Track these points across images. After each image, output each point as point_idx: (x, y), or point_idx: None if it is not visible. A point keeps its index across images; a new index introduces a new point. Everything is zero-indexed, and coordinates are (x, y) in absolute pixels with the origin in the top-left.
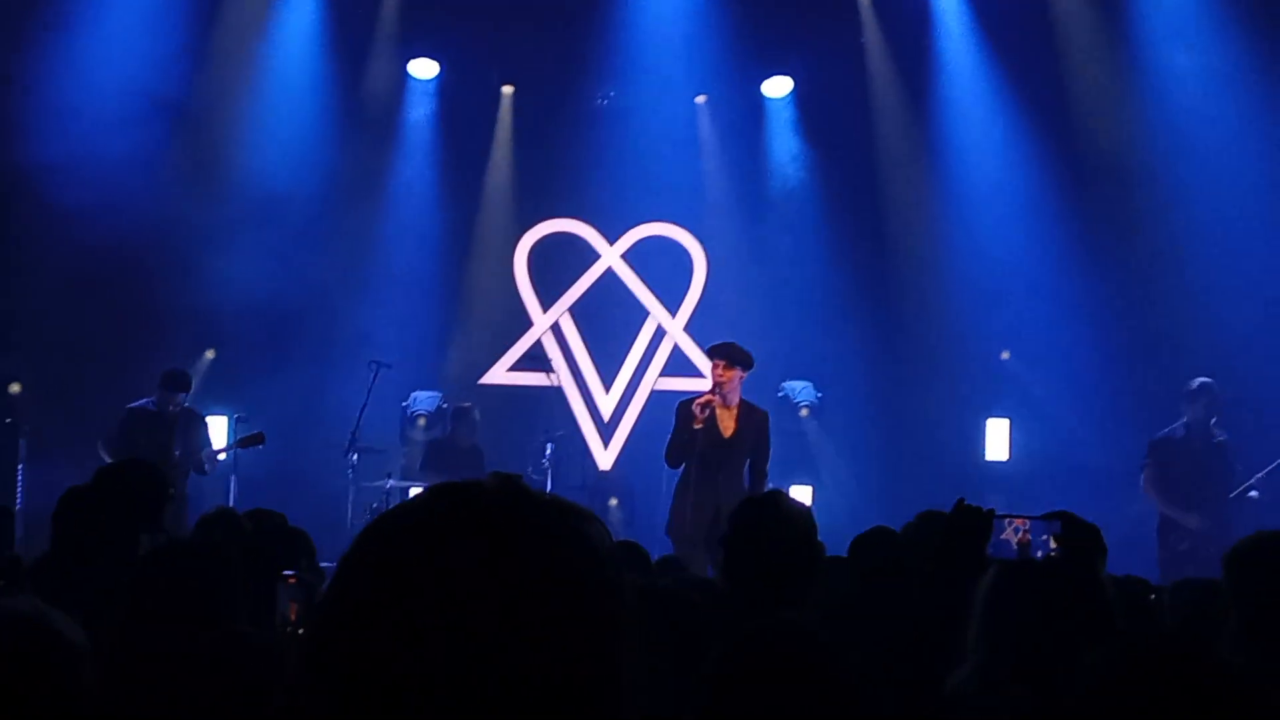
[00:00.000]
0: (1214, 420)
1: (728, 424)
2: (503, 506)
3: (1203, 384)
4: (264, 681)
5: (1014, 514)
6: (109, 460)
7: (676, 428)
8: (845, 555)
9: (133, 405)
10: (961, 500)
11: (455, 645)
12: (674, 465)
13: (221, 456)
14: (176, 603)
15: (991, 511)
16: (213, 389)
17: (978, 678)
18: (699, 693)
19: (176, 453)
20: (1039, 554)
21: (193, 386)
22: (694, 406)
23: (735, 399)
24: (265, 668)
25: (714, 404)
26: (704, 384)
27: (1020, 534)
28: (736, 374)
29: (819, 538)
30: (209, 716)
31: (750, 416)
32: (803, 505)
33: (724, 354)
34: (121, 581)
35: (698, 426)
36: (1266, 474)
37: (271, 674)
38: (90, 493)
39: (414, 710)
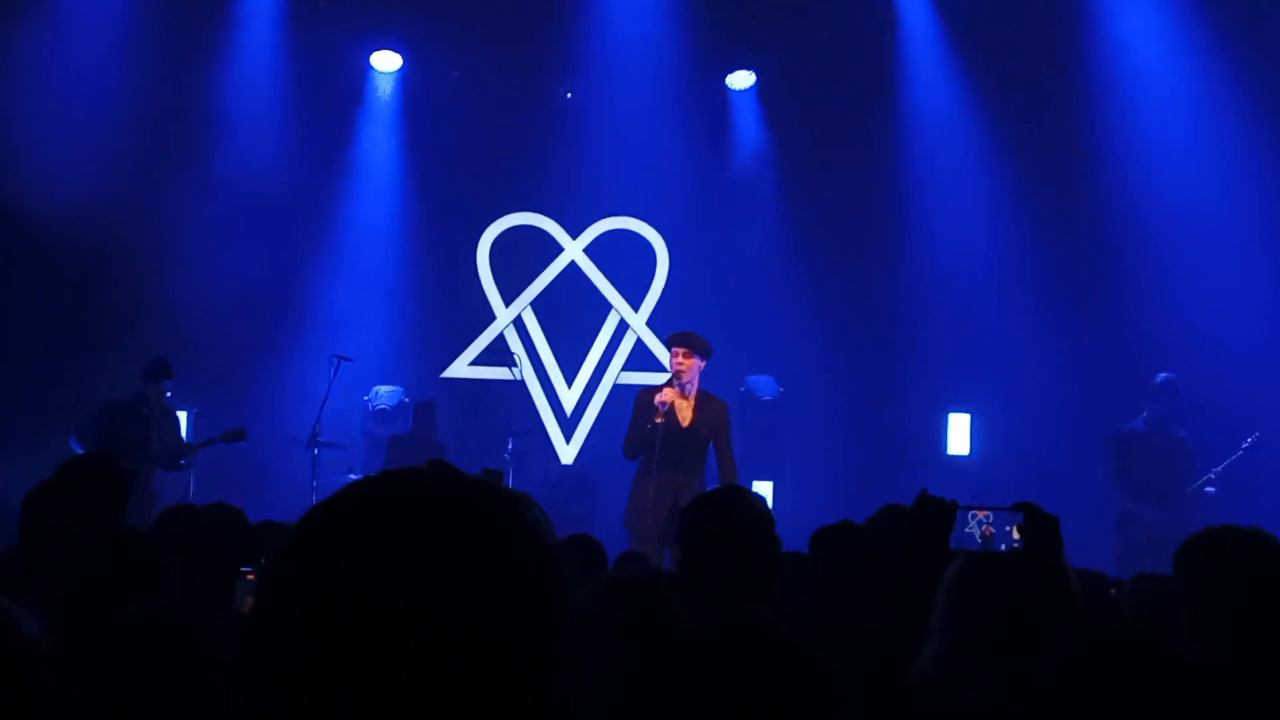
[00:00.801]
0: (1174, 416)
1: (685, 414)
2: (437, 488)
3: (1166, 380)
4: (209, 665)
5: (977, 505)
6: (80, 452)
7: (634, 419)
8: (807, 550)
9: (109, 398)
10: (925, 491)
11: (386, 622)
12: (631, 457)
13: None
14: (126, 593)
15: (954, 503)
16: (174, 384)
17: (940, 667)
18: (666, 689)
19: (154, 447)
20: (1002, 546)
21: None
22: (655, 401)
23: (694, 389)
24: (212, 650)
25: (673, 402)
26: (666, 378)
27: (984, 526)
28: (695, 363)
29: (778, 532)
30: (157, 700)
31: (709, 406)
32: (759, 498)
33: (683, 342)
34: (78, 573)
35: (659, 420)
36: (1224, 468)
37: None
38: (52, 486)
39: (348, 688)
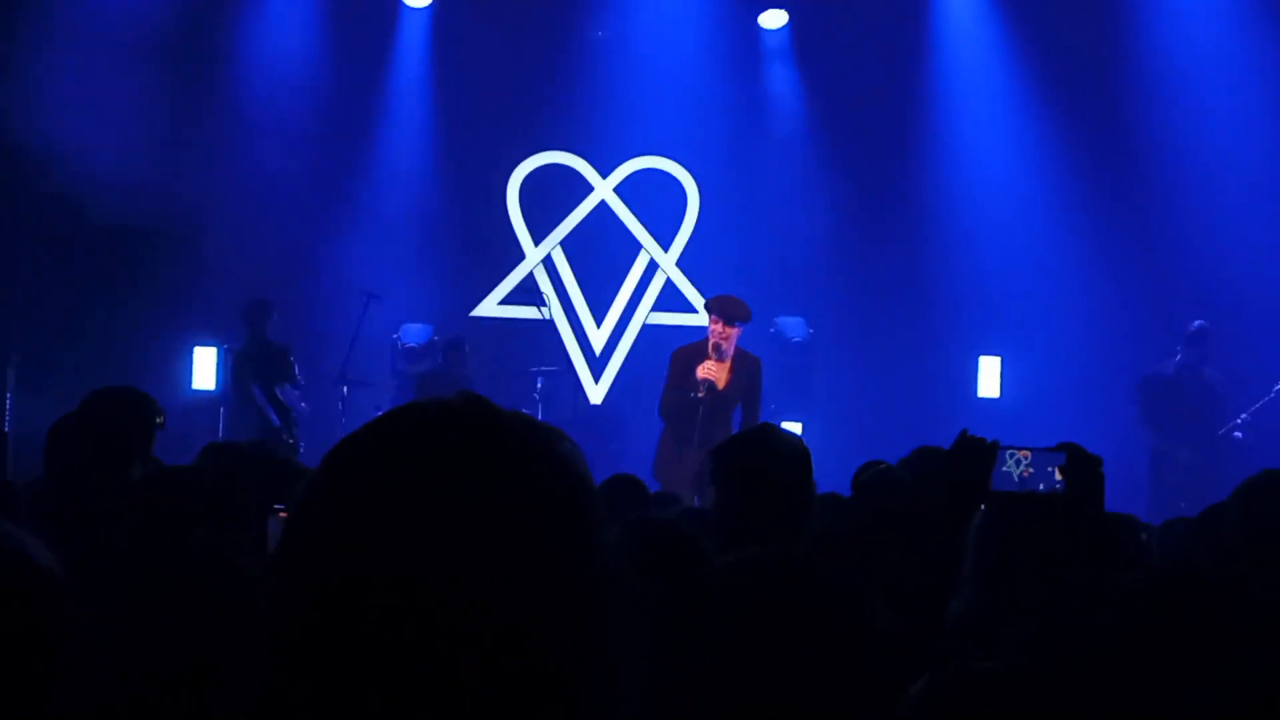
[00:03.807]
0: (1207, 362)
1: (722, 376)
2: (470, 419)
3: (1201, 327)
4: (244, 608)
5: (1017, 446)
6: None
7: (671, 378)
8: (835, 491)
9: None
10: (965, 431)
11: (419, 559)
12: (668, 422)
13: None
14: (166, 528)
15: (995, 443)
16: (203, 322)
17: (977, 611)
18: (694, 626)
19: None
20: (1040, 486)
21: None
22: (698, 376)
23: (731, 352)
24: (247, 594)
25: (714, 378)
26: (696, 319)
27: (1023, 467)
28: (736, 331)
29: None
30: (189, 642)
31: (742, 365)
32: (795, 436)
33: (722, 312)
34: (111, 510)
35: (701, 395)
36: (1254, 412)
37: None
38: (78, 420)
39: (377, 633)
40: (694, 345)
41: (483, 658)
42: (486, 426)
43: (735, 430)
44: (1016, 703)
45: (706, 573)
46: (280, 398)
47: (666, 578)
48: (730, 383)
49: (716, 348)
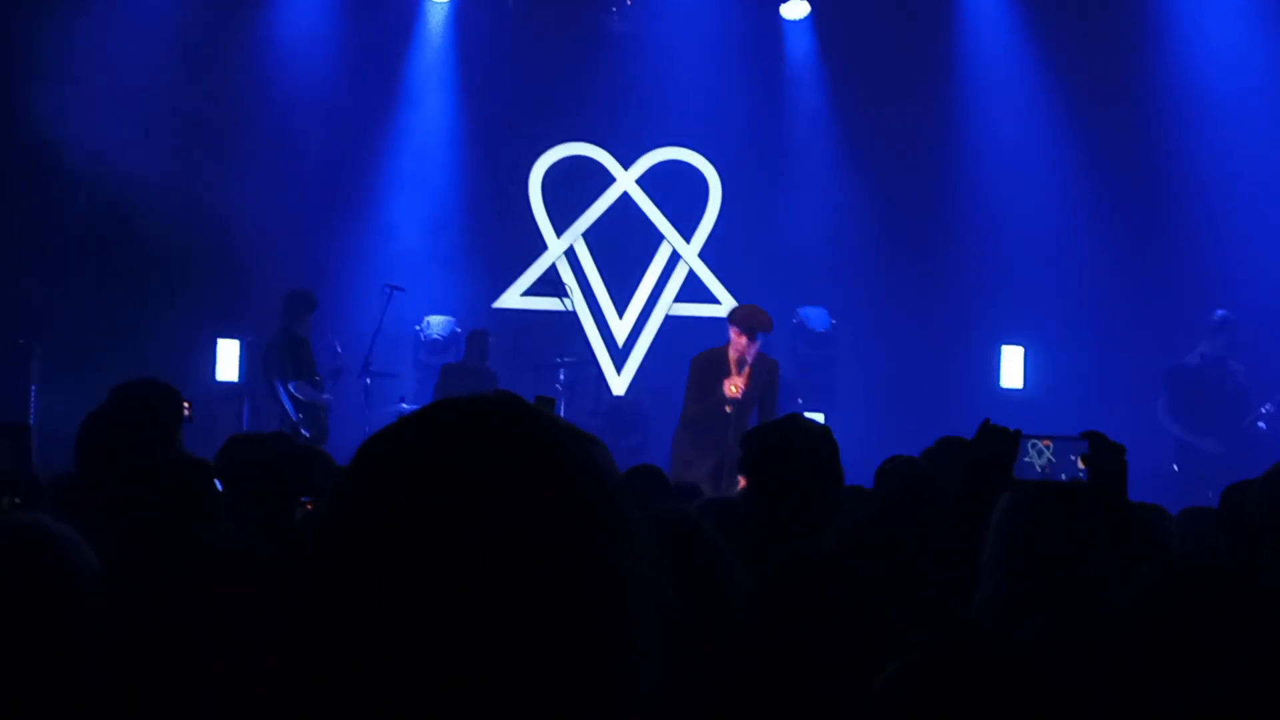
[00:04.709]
0: (1230, 353)
1: (739, 382)
2: (506, 420)
3: (1224, 317)
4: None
5: (1039, 435)
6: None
7: (692, 385)
8: (859, 483)
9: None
10: (987, 421)
11: (453, 558)
12: (693, 429)
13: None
14: (183, 521)
15: (1018, 433)
16: (226, 314)
17: (999, 602)
18: (727, 620)
19: (316, 378)
20: (1062, 476)
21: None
22: (725, 392)
23: (751, 361)
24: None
25: (739, 395)
26: (718, 310)
27: (1045, 456)
28: (758, 344)
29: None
30: (214, 633)
31: (760, 367)
32: (821, 426)
33: (746, 326)
34: (136, 501)
35: (729, 411)
36: (1277, 403)
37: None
38: (106, 412)
39: (407, 635)
40: (713, 352)
41: (518, 661)
42: (524, 427)
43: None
44: (989, 685)
45: (725, 568)
46: (295, 392)
47: (682, 572)
48: (748, 389)
49: (740, 362)
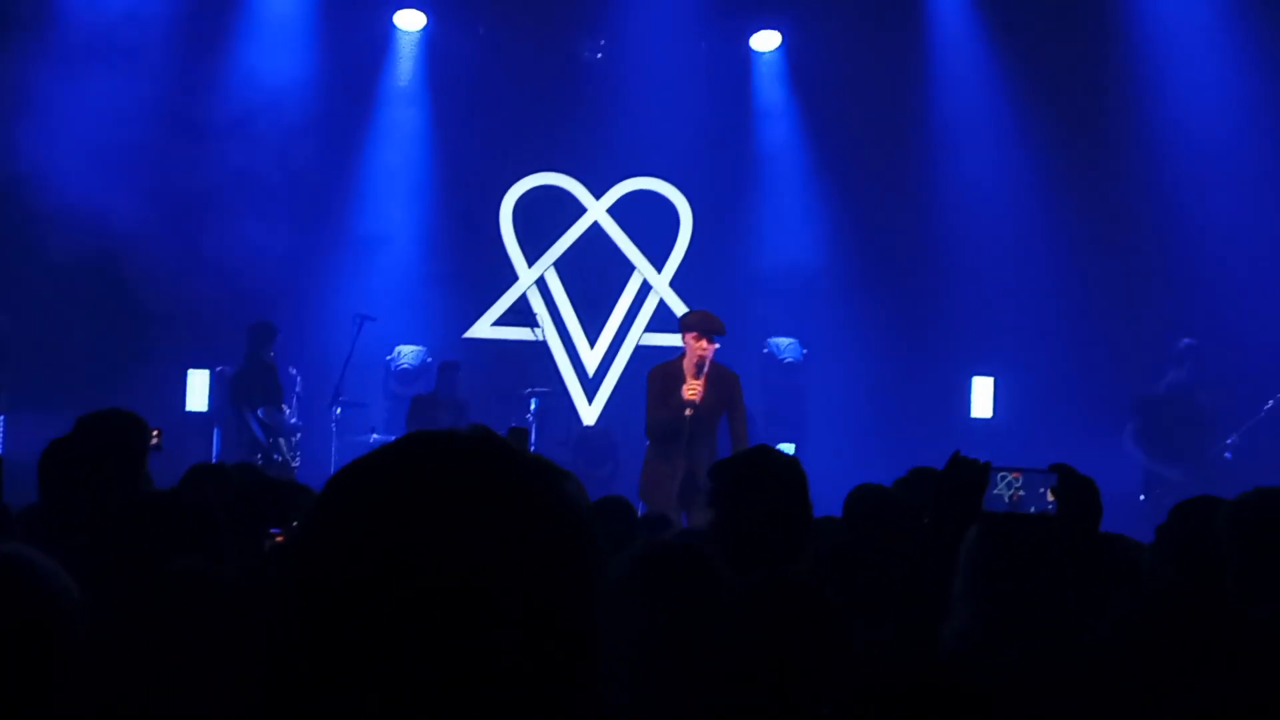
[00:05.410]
0: (1196, 381)
1: (699, 391)
2: (479, 455)
3: (1188, 345)
4: (238, 627)
5: (1009, 467)
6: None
7: (652, 397)
8: (832, 513)
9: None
10: (957, 453)
11: (424, 592)
12: (655, 442)
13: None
14: (148, 553)
15: (988, 464)
16: (192, 344)
17: (970, 633)
18: (706, 651)
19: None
20: (1031, 508)
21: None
22: (684, 397)
23: (707, 367)
24: (242, 613)
25: (697, 398)
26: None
27: (1014, 489)
28: (715, 346)
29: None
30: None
31: (718, 379)
32: (790, 457)
33: (704, 328)
34: (103, 532)
35: (688, 414)
36: (1243, 432)
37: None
38: (71, 443)
39: (376, 666)
40: (670, 364)
41: (487, 693)
42: (497, 462)
43: (719, 445)
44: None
45: (721, 592)
46: (264, 419)
47: (681, 598)
48: (707, 396)
49: (699, 365)
